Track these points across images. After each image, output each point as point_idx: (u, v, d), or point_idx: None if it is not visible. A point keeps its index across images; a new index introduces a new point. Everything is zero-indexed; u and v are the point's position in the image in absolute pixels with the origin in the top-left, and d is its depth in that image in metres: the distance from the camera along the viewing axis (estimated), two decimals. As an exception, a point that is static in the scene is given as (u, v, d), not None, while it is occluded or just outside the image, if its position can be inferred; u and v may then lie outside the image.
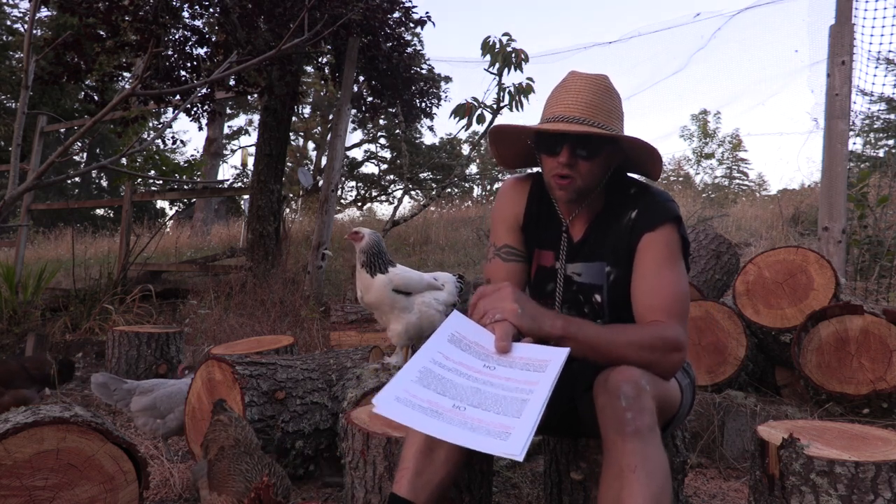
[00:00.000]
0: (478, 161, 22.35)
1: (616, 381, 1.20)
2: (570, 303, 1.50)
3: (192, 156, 17.75)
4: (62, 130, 10.86)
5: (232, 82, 6.24)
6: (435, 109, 7.21)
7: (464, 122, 5.32)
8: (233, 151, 23.31)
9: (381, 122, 18.13)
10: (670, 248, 1.37)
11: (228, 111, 18.72)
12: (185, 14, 5.97)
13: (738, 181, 26.54)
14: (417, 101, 7.00)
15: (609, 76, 1.42)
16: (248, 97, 12.02)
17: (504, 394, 1.11)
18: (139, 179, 7.09)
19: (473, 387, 1.13)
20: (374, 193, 21.94)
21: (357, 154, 21.77)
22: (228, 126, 20.47)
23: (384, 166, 21.56)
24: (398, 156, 19.72)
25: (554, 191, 1.41)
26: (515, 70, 5.30)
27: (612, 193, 1.46)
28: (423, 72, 7.15)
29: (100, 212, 19.74)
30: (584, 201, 1.45)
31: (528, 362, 1.18)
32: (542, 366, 1.16)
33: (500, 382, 1.14)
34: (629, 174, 1.51)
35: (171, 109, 8.03)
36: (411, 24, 6.40)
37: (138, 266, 6.27)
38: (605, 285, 1.45)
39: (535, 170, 1.56)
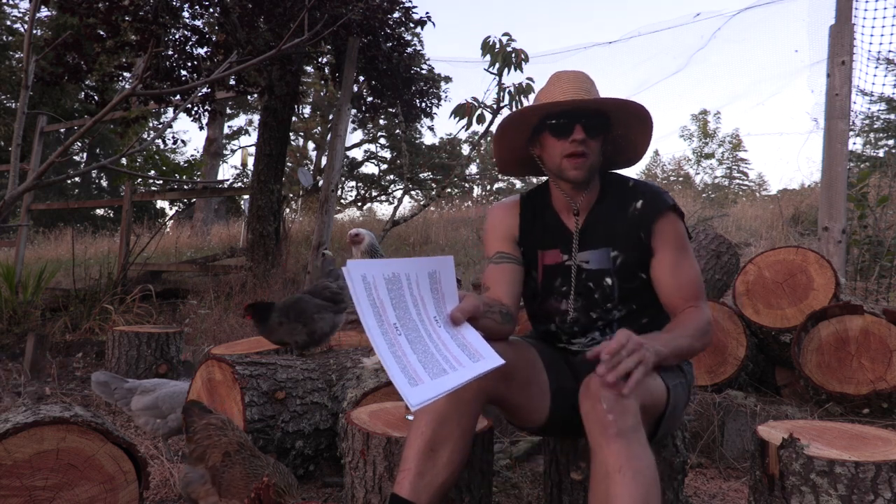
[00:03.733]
0: (478, 161, 22.36)
1: (597, 384, 1.21)
2: (580, 292, 1.56)
3: (192, 156, 17.77)
4: (62, 130, 10.86)
5: (232, 82, 6.25)
6: (435, 109, 7.21)
7: (464, 122, 5.31)
8: (233, 151, 23.34)
9: (381, 122, 18.15)
10: (682, 235, 1.51)
11: (228, 111, 18.72)
12: (185, 14, 5.97)
13: (738, 181, 26.58)
14: (417, 101, 7.00)
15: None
16: (248, 97, 12.04)
17: (434, 353, 1.18)
18: (139, 179, 7.09)
19: (417, 325, 1.20)
20: (374, 193, 21.96)
21: (357, 154, 21.80)
22: (228, 126, 20.49)
23: (384, 166, 21.57)
24: (398, 156, 19.73)
25: (567, 172, 1.47)
26: (515, 70, 5.29)
27: (605, 184, 1.56)
28: (423, 72, 7.15)
29: (100, 212, 19.73)
30: (589, 185, 1.53)
31: (467, 345, 1.24)
32: (476, 356, 1.22)
33: (436, 341, 1.21)
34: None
35: (171, 109, 8.04)
36: (411, 24, 6.41)
37: (138, 266, 6.27)
38: (613, 269, 1.53)
39: (514, 197, 1.68)
